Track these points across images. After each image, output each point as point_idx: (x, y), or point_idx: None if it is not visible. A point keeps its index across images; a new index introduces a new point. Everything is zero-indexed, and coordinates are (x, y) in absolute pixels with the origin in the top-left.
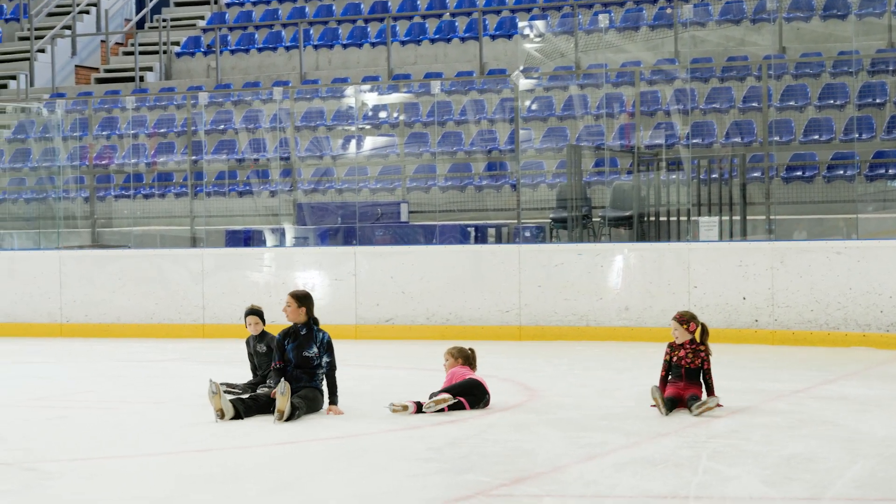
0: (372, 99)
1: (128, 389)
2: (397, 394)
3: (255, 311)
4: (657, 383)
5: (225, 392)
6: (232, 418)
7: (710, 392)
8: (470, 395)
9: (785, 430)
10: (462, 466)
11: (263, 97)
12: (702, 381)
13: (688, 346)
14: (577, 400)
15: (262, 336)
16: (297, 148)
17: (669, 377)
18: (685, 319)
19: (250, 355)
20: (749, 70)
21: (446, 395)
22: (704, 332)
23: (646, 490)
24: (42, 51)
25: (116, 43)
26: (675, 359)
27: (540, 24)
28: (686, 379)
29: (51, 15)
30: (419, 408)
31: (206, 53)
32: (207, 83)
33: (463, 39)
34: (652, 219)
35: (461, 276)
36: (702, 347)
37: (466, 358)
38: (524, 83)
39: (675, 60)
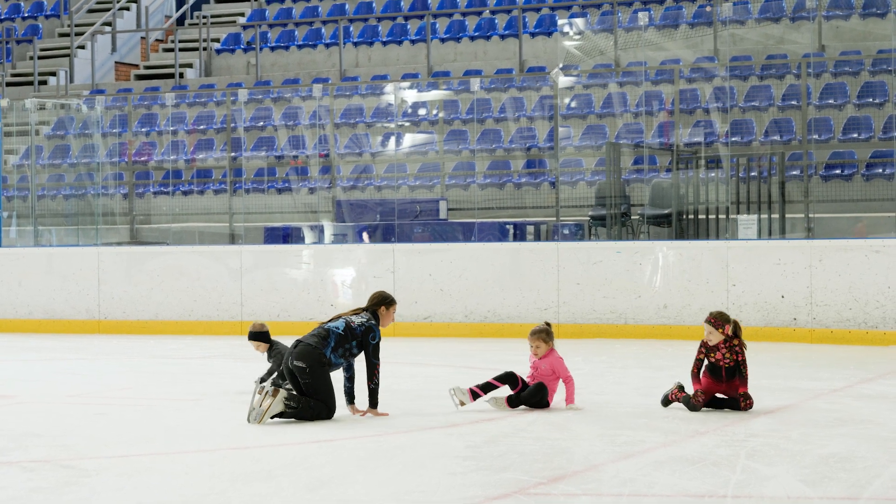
0: (411, 96)
1: (166, 386)
2: (435, 392)
3: (252, 336)
4: (689, 379)
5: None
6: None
7: (743, 383)
8: (532, 402)
9: (823, 428)
10: (500, 465)
11: (303, 94)
12: (741, 370)
13: (722, 345)
14: (614, 398)
15: (272, 349)
16: (337, 145)
17: (710, 377)
18: (719, 323)
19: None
20: (788, 68)
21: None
22: (737, 327)
23: (683, 489)
24: (82, 47)
25: (156, 40)
26: (711, 359)
27: (579, 22)
28: (726, 380)
29: (91, 11)
30: (475, 396)
31: (245, 50)
32: (247, 80)
33: (503, 37)
34: (691, 217)
35: (500, 273)
36: (735, 341)
37: (552, 338)
38: (563, 81)
39: (715, 58)
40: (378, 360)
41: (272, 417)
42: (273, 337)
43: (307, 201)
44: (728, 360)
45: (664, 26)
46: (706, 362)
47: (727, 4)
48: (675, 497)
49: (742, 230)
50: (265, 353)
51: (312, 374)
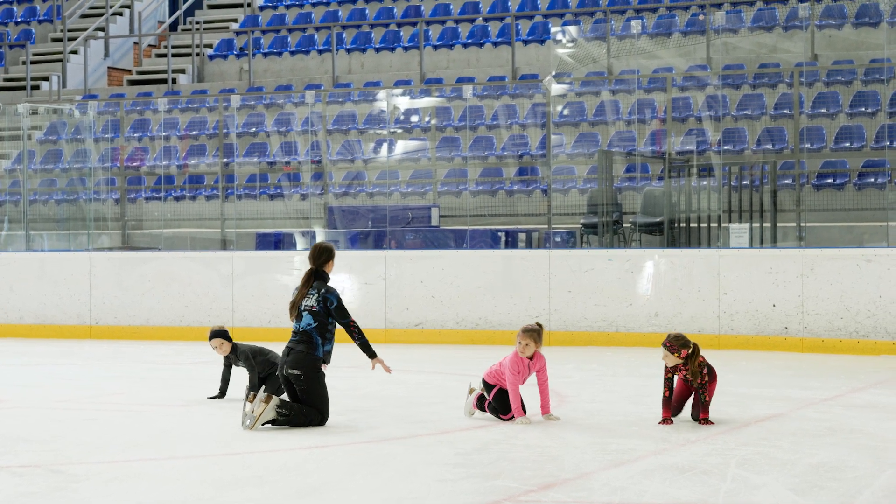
0: (404, 103)
1: (156, 392)
2: (426, 399)
3: (216, 333)
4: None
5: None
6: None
7: (704, 410)
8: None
9: (814, 438)
10: (490, 472)
11: (295, 100)
12: (700, 395)
13: (682, 367)
14: (605, 406)
15: (234, 350)
16: (329, 151)
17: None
18: (674, 347)
19: (228, 368)
20: (781, 77)
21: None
22: (695, 353)
23: (674, 497)
24: (75, 52)
25: (149, 45)
26: (676, 378)
27: (572, 30)
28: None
29: (84, 16)
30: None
31: (238, 56)
32: (240, 86)
33: (495, 44)
34: (682, 225)
35: (491, 280)
36: (695, 368)
37: (542, 339)
38: (556, 88)
39: (707, 67)
40: (348, 318)
41: (264, 424)
42: (251, 342)
43: (299, 207)
44: (690, 379)
45: (657, 34)
46: (675, 378)
47: (720, 13)
48: None
49: (734, 239)
50: (226, 356)
51: (308, 381)
